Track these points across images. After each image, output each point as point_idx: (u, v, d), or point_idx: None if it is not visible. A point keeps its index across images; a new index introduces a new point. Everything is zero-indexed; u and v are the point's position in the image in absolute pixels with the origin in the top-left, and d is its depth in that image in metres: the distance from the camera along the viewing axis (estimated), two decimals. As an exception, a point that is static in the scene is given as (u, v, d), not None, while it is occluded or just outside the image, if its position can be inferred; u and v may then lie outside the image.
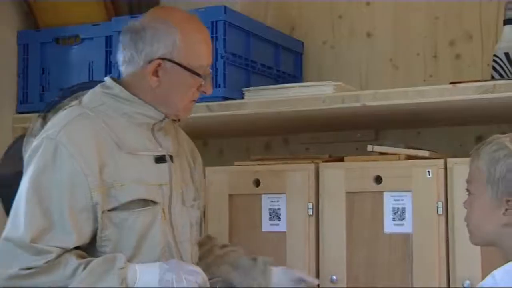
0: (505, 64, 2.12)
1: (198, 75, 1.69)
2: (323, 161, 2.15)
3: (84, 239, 1.59)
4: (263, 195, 2.16)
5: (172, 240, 1.69)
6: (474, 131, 2.45)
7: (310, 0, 2.73)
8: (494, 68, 2.14)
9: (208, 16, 2.30)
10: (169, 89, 1.68)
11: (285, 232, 2.11)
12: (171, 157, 1.73)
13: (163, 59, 1.67)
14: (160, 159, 1.70)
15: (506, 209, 1.39)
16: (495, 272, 1.37)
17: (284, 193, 2.13)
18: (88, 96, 1.72)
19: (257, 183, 2.18)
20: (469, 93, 1.97)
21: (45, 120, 1.71)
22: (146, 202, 1.65)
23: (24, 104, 2.63)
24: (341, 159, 2.17)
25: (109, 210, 1.60)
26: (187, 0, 2.44)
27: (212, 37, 2.26)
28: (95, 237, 1.60)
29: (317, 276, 2.07)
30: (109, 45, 2.50)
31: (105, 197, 1.60)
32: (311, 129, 2.61)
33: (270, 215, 2.14)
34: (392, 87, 2.17)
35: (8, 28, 2.63)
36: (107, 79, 1.74)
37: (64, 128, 1.60)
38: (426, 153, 2.05)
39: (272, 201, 2.12)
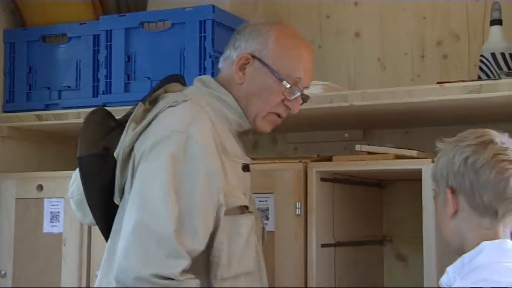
0: (491, 65, 2.13)
1: (281, 80, 1.66)
2: (311, 161, 2.15)
3: (206, 243, 1.54)
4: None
5: (259, 249, 1.70)
6: (461, 131, 2.43)
7: (298, 0, 2.73)
8: (480, 69, 2.16)
9: (196, 15, 2.30)
10: (251, 88, 1.67)
11: (273, 231, 2.11)
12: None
13: (253, 56, 1.66)
14: (246, 168, 1.68)
15: (451, 200, 1.44)
16: (448, 268, 1.44)
17: (273, 193, 2.13)
18: (192, 93, 1.68)
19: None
20: (456, 93, 1.98)
21: (145, 106, 1.66)
22: (243, 209, 1.63)
23: (11, 103, 2.62)
24: (329, 159, 2.17)
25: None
26: (175, -1, 2.45)
27: (200, 36, 2.29)
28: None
29: (305, 276, 2.07)
30: (97, 44, 2.49)
31: (225, 199, 1.56)
32: (300, 128, 2.61)
33: (258, 215, 2.13)
34: (380, 87, 2.18)
35: (-6, 27, 2.62)
36: (208, 78, 1.72)
37: (192, 122, 1.56)
38: (414, 153, 2.06)
39: (260, 201, 2.11)
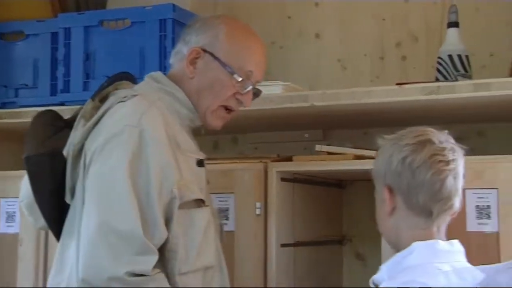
0: (448, 66, 2.16)
1: (237, 76, 1.67)
2: (271, 161, 2.16)
3: (166, 234, 1.54)
4: (211, 195, 2.15)
5: (219, 245, 1.69)
6: (419, 131, 2.49)
7: (259, 0, 2.74)
8: (438, 70, 2.19)
9: (157, 14, 2.29)
10: (201, 82, 1.67)
11: (233, 231, 2.11)
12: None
13: (203, 50, 1.66)
14: (200, 163, 1.68)
15: (388, 199, 1.46)
16: (382, 265, 1.47)
17: (233, 193, 2.13)
18: (143, 88, 1.67)
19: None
20: (414, 94, 2.00)
21: (95, 103, 1.64)
22: (199, 203, 1.63)
23: (-33, 100, 2.57)
24: (289, 159, 2.18)
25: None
26: (135, -2, 2.43)
27: (160, 35, 2.27)
28: None
29: (265, 275, 2.07)
30: (55, 41, 2.46)
31: (179, 192, 1.56)
32: (260, 128, 2.61)
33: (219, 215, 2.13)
34: (340, 88, 2.20)
35: (-51, 23, 2.56)
36: (159, 74, 1.71)
37: (143, 116, 1.55)
38: (373, 153, 2.07)
39: (220, 201, 2.11)
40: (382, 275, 1.44)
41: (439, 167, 1.42)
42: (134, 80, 1.76)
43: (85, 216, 1.52)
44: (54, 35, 2.46)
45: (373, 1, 2.59)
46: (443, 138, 1.46)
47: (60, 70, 2.43)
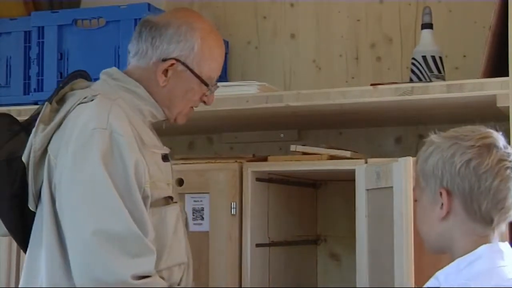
0: (422, 67, 2.18)
1: (206, 85, 1.69)
2: (247, 161, 2.16)
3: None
4: (186, 195, 2.14)
5: (187, 239, 1.69)
6: (393, 131, 2.51)
7: (235, 0, 2.74)
8: (412, 71, 2.20)
9: (132, 13, 2.28)
10: (174, 91, 1.67)
11: (208, 231, 2.11)
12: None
13: (177, 60, 1.65)
14: (165, 157, 1.67)
15: (442, 203, 1.37)
16: (438, 273, 1.38)
17: (208, 193, 2.13)
18: (102, 87, 1.63)
19: (180, 182, 2.16)
20: (388, 95, 2.02)
21: (53, 106, 1.59)
22: (167, 200, 1.63)
23: None
24: (264, 159, 2.18)
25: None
26: (110, -3, 2.42)
27: (135, 35, 2.26)
28: None
29: (240, 275, 2.07)
30: (28, 40, 2.44)
31: (150, 191, 1.56)
32: (235, 128, 2.61)
33: (194, 215, 2.13)
34: (315, 88, 2.20)
35: None
36: (115, 70, 1.69)
37: (110, 116, 1.52)
38: (347, 153, 2.09)
39: (195, 201, 2.11)
40: (438, 283, 1.35)
41: (507, 174, 1.34)
42: (89, 77, 1.73)
43: (71, 228, 1.49)
44: (27, 34, 2.44)
45: (348, 2, 2.61)
46: (505, 142, 1.38)
47: (34, 69, 2.41)
